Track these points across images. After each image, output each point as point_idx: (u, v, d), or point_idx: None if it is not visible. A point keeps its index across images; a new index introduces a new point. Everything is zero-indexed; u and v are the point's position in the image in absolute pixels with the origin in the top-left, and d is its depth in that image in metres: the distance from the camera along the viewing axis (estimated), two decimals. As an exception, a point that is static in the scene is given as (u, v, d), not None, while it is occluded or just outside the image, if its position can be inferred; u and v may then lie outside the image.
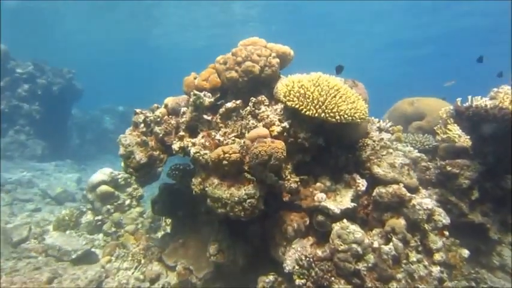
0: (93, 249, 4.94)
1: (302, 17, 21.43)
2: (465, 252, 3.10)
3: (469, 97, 3.91)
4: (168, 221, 5.68)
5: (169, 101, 3.77)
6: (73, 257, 4.59)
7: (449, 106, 4.75)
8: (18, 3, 20.13)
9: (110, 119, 19.68)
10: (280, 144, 3.13)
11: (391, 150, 3.53)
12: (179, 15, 21.92)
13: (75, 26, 24.64)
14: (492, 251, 3.56)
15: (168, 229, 5.71)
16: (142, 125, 3.71)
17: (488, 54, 5.77)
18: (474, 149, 3.60)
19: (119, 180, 5.95)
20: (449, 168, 3.51)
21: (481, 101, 3.70)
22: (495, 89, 4.58)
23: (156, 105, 3.81)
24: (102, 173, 5.87)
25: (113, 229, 5.50)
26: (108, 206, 5.70)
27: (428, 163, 4.22)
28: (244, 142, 3.32)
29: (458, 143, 3.85)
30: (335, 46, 25.76)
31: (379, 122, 4.13)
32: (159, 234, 5.71)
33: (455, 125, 3.86)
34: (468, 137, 3.87)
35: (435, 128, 4.30)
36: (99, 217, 5.66)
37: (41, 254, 4.69)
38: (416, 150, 4.47)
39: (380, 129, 3.92)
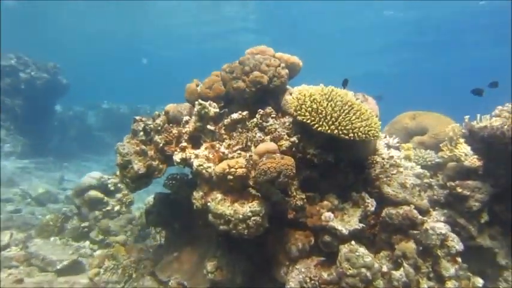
0: (79, 259, 4.68)
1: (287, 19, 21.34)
2: (479, 281, 3.00)
3: (478, 115, 3.84)
4: (158, 229, 5.45)
5: (171, 108, 3.56)
6: (58, 267, 4.33)
7: (454, 123, 4.69)
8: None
9: (94, 116, 19.18)
10: (290, 160, 2.96)
11: (401, 169, 3.42)
12: (171, 15, 21.61)
13: (63, 20, 24.07)
14: (499, 276, 3.47)
15: (158, 237, 5.48)
16: (141, 133, 3.49)
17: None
18: (486, 171, 3.51)
19: (109, 185, 5.68)
20: (459, 190, 3.41)
21: (492, 121, 3.61)
22: (500, 107, 4.54)
23: (157, 112, 3.59)
24: (91, 177, 5.60)
25: (101, 236, 5.24)
26: (96, 212, 5.43)
27: (430, 180, 4.13)
28: (250, 156, 3.15)
29: (466, 162, 3.75)
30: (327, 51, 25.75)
31: (385, 137, 4.02)
32: (148, 241, 5.47)
33: (465, 144, 3.76)
34: (476, 157, 3.78)
35: (441, 145, 4.20)
36: (86, 223, 5.38)
37: (23, 263, 4.40)
38: (419, 166, 4.39)
39: (388, 146, 3.81)
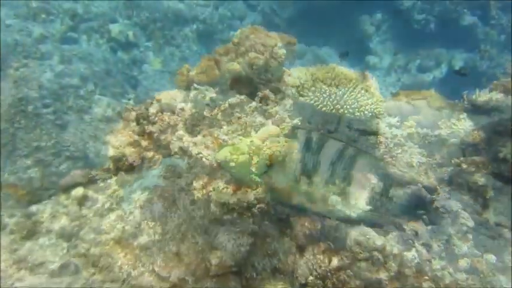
0: (72, 259, 4.45)
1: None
2: (492, 258, 2.96)
3: (477, 90, 3.81)
4: (152, 224, 5.27)
5: (163, 96, 3.37)
6: (50, 268, 4.10)
7: (447, 100, 4.65)
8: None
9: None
10: (294, 143, 2.84)
11: (406, 148, 3.34)
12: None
13: None
14: (505, 250, 3.45)
15: (152, 232, 5.30)
16: (134, 123, 3.29)
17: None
18: (489, 145, 3.47)
19: (98, 181, 5.43)
20: (464, 166, 3.37)
21: (492, 94, 3.57)
22: (495, 82, 4.52)
23: (149, 101, 3.40)
24: (77, 174, 5.33)
25: (92, 236, 5.01)
26: (86, 210, 5.19)
27: (428, 159, 4.08)
28: (252, 142, 3.00)
29: (467, 138, 3.71)
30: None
31: (385, 116, 3.92)
32: (142, 239, 5.28)
33: (466, 119, 3.71)
34: (477, 132, 3.74)
35: (439, 122, 4.15)
36: (76, 222, 5.13)
37: (11, 267, 4.16)
38: (417, 146, 4.33)
39: (390, 125, 3.71)
